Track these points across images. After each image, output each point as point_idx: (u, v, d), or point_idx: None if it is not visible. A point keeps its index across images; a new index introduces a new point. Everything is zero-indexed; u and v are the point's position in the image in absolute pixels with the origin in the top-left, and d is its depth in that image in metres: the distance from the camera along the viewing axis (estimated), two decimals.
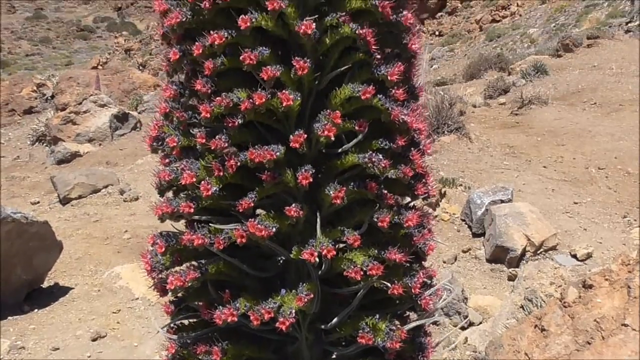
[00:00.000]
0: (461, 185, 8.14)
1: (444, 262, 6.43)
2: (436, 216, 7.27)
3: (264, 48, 1.96)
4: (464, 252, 6.65)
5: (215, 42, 1.93)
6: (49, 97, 17.95)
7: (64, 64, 43.77)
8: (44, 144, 13.47)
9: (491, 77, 15.51)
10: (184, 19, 2.00)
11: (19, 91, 18.72)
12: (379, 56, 2.03)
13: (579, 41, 16.77)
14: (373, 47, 2.00)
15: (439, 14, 35.27)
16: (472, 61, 18.69)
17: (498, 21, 31.25)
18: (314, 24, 1.94)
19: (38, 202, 8.69)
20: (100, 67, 35.62)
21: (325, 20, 2.03)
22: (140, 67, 37.88)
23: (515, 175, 8.70)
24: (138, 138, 12.38)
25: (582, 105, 12.03)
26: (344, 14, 2.01)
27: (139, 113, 14.63)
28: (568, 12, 24.30)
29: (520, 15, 29.74)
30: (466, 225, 7.13)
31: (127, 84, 19.02)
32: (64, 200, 8.43)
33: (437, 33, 34.69)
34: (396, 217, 2.08)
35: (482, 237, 6.80)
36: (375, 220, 2.05)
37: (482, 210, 6.91)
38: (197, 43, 1.99)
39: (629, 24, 17.54)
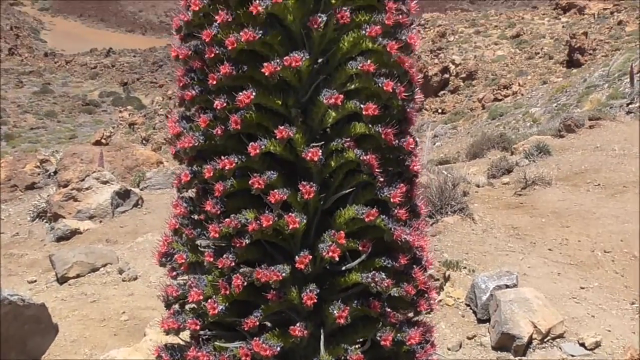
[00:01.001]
0: (465, 268, 8.14)
1: (449, 349, 6.36)
2: (440, 301, 7.23)
3: (272, 172, 2.10)
4: (469, 338, 6.58)
5: (226, 167, 2.06)
6: (52, 173, 18.23)
7: (68, 138, 44.64)
8: (44, 221, 13.58)
9: (494, 156, 15.77)
10: (196, 144, 2.15)
11: (22, 167, 19.05)
12: (382, 179, 2.15)
13: (580, 122, 17.15)
14: (376, 170, 2.13)
15: (442, 92, 36.23)
16: (475, 140, 19.06)
17: (500, 100, 32.03)
18: (320, 150, 2.08)
19: (35, 281, 8.69)
20: (103, 140, 36.30)
21: (331, 145, 2.17)
22: (144, 141, 38.61)
23: (520, 258, 8.71)
24: (139, 215, 12.49)
25: (585, 186, 12.18)
26: (348, 139, 2.16)
27: (141, 190, 14.82)
28: (569, 92, 24.98)
29: (522, 95, 30.53)
30: (471, 311, 7.08)
31: (131, 160, 19.36)
32: (62, 279, 8.44)
33: (439, 111, 35.49)
34: (399, 334, 2.15)
35: (488, 323, 6.74)
36: (379, 338, 2.11)
37: (487, 295, 6.89)
38: (208, 166, 2.13)
39: (630, 106, 17.99)
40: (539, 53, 36.91)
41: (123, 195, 13.45)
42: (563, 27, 39.49)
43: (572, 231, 9.81)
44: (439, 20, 44.39)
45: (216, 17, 2.08)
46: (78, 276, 8.50)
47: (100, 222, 12.90)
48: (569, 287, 7.80)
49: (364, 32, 2.12)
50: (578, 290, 7.74)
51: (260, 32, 2.06)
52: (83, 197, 13.72)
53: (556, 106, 23.97)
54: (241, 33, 2.05)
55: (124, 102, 52.95)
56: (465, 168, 14.73)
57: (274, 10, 2.07)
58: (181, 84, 2.26)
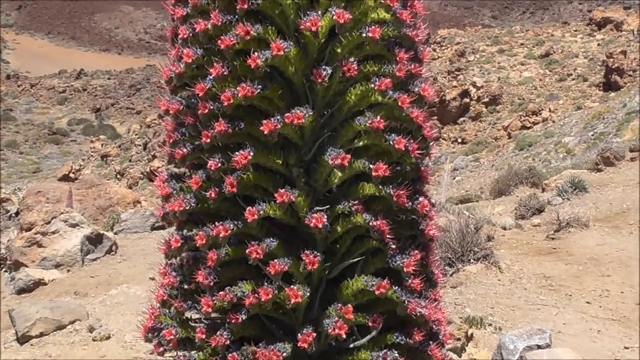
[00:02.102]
0: (491, 325, 8.13)
1: None
2: None
3: (271, 240, 2.19)
4: None
5: (221, 234, 2.16)
6: (13, 215, 18.29)
7: (32, 172, 44.79)
8: (4, 270, 13.59)
9: (523, 193, 15.82)
10: (187, 207, 2.25)
11: None
12: (394, 245, 2.24)
13: (620, 154, 17.24)
14: (387, 236, 2.22)
15: (462, 119, 36.47)
16: (500, 174, 19.15)
17: (529, 128, 32.24)
18: (325, 216, 2.18)
19: None
20: (72, 175, 36.42)
21: (337, 208, 2.27)
22: (118, 176, 38.76)
23: (553, 313, 8.69)
24: (113, 263, 12.49)
25: (628, 228, 12.18)
26: (356, 201, 2.26)
27: (115, 234, 14.84)
28: (607, 119, 25.16)
29: (554, 122, 30.74)
30: None
31: (103, 199, 19.46)
32: (22, 339, 8.42)
33: (459, 140, 35.70)
34: None
35: None
36: None
37: (516, 357, 6.88)
38: (200, 232, 2.22)
39: None
40: (571, 74, 37.29)
41: (94, 240, 13.48)
42: (598, 45, 39.99)
43: (614, 281, 9.79)
44: (457, 37, 44.97)
45: (211, 70, 2.20)
46: (42, 335, 8.47)
47: (68, 271, 12.88)
48: (611, 347, 7.77)
49: (372, 85, 2.23)
50: (621, 350, 7.71)
51: (259, 86, 2.18)
52: (49, 242, 13.77)
53: (592, 135, 24.14)
54: (238, 88, 2.17)
55: (96, 130, 53.30)
56: (490, 207, 14.78)
57: (275, 63, 2.20)
58: (171, 140, 2.37)
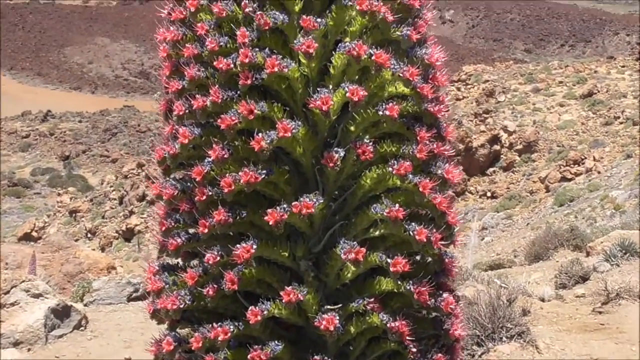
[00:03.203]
0: None
1: None
2: None
3: (276, 343, 2.28)
4: None
5: (219, 337, 2.24)
6: None
7: None
8: None
9: (564, 258, 15.78)
10: (181, 305, 2.34)
11: None
12: (414, 349, 2.32)
13: None
14: (407, 338, 2.30)
15: (491, 169, 36.62)
16: (537, 235, 19.13)
17: (570, 179, 32.32)
18: (337, 316, 2.27)
19: None
20: (34, 233, 36.47)
21: (350, 306, 2.36)
22: (89, 235, 38.81)
23: None
24: (82, 341, 12.45)
25: None
26: (371, 299, 2.35)
27: (86, 306, 14.81)
28: None
29: (599, 173, 30.83)
30: None
31: (72, 265, 19.48)
32: None
33: (489, 194, 35.79)
34: None
35: None
36: None
37: None
38: (196, 334, 2.31)
39: None
40: (619, 117, 37.53)
41: (61, 313, 13.47)
42: None
43: None
44: (485, 74, 45.48)
45: (209, 152, 2.33)
46: None
47: (29, 350, 12.82)
48: None
49: (390, 168, 2.35)
50: None
51: (264, 171, 2.30)
52: (7, 315, 13.77)
53: None
54: (240, 173, 2.29)
55: (64, 182, 53.46)
56: (525, 275, 14.73)
57: (281, 144, 2.32)
58: (163, 228, 2.48)
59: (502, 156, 37.94)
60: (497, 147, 37.65)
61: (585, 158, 34.75)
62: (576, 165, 34.24)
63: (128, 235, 35.04)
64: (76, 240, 33.13)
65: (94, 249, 29.67)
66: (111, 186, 43.16)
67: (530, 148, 37.09)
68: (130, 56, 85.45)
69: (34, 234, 37.34)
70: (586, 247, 17.36)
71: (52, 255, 20.84)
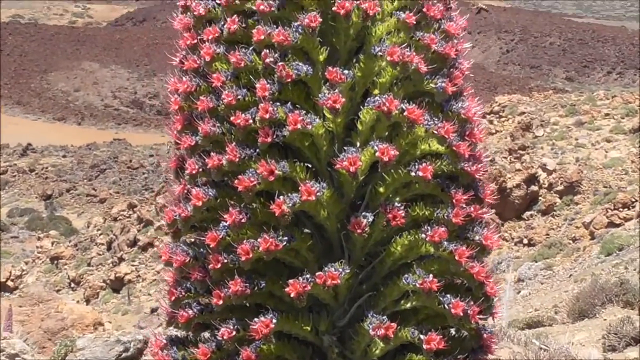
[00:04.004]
0: None
1: None
2: None
3: None
4: None
5: None
6: None
7: None
8: None
9: (612, 316, 15.66)
10: None
11: None
12: None
13: None
14: None
15: (528, 212, 36.50)
16: (581, 289, 19.00)
17: (618, 225, 32.15)
18: None
19: None
20: (10, 283, 36.52)
21: None
22: (73, 284, 38.83)
23: None
24: None
25: None
26: None
27: None
28: None
29: None
30: None
31: (54, 320, 19.48)
32: None
33: (525, 241, 35.64)
34: None
35: None
36: None
37: None
38: None
39: None
40: None
41: None
42: None
43: None
44: (520, 105, 45.54)
45: (225, 216, 2.40)
46: None
47: None
48: None
49: (423, 234, 2.42)
50: None
51: (285, 238, 2.37)
52: None
53: None
54: (259, 239, 2.36)
55: (45, 224, 53.54)
56: (568, 334, 14.63)
57: (304, 208, 2.40)
58: (173, 298, 2.55)
59: (540, 198, 37.86)
60: (534, 187, 37.57)
61: (636, 201, 34.62)
62: (625, 209, 34.10)
63: (117, 285, 34.96)
64: (58, 291, 33.16)
65: (78, 302, 29.67)
66: (98, 229, 43.27)
67: (573, 189, 37.01)
68: (121, 83, 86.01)
69: (10, 283, 37.32)
70: (638, 304, 17.24)
71: (31, 309, 20.88)
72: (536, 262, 31.15)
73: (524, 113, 44.61)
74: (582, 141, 40.71)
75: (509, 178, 37.52)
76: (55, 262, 42.96)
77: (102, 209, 48.84)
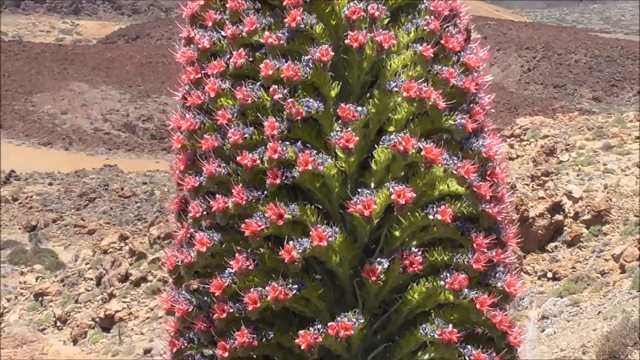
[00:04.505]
0: None
1: None
2: None
3: None
4: None
5: None
6: None
7: None
8: None
9: None
10: None
11: None
12: None
13: None
14: None
15: (552, 244, 36.42)
16: (611, 327, 18.95)
17: None
18: None
19: None
20: None
21: None
22: (59, 323, 38.83)
23: None
24: None
25: None
26: None
27: None
28: None
29: None
30: None
31: None
32: None
33: (549, 275, 35.55)
34: None
35: None
36: None
37: None
38: None
39: None
40: None
41: None
42: None
43: None
44: (544, 128, 45.57)
45: (231, 262, 2.44)
46: None
47: None
48: None
49: (442, 281, 2.46)
50: None
51: (295, 285, 2.41)
52: None
53: None
54: (267, 287, 2.40)
55: (29, 258, 53.51)
56: None
57: (315, 254, 2.44)
58: (174, 349, 2.59)
59: (565, 228, 37.80)
60: (559, 217, 37.52)
61: None
62: None
63: (107, 323, 34.90)
64: (42, 331, 33.13)
65: (64, 342, 29.68)
66: (87, 263, 43.31)
67: (601, 218, 36.93)
68: (112, 105, 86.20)
69: None
70: None
71: (14, 352, 20.90)
72: (561, 297, 31.03)
73: (547, 136, 44.62)
74: (611, 166, 40.67)
75: (532, 206, 37.43)
76: (40, 298, 43.00)
77: (91, 241, 48.86)
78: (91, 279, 41.40)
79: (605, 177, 40.95)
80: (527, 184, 40.05)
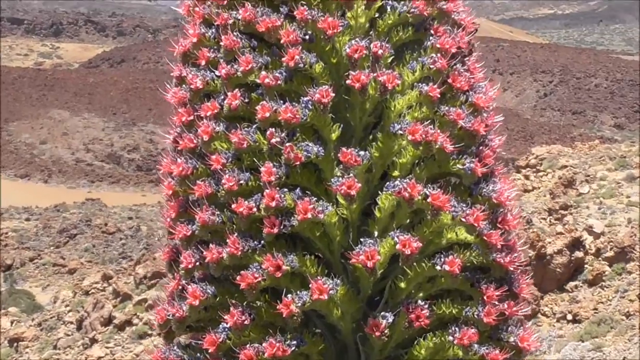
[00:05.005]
0: None
1: None
2: None
3: None
4: None
5: None
6: None
7: None
8: None
9: None
10: None
11: None
12: None
13: None
14: None
15: (572, 283, 36.38)
16: None
17: None
18: None
19: None
20: None
21: None
22: None
23: None
24: None
25: None
26: None
27: None
28: None
29: None
30: None
31: None
32: None
33: (569, 317, 35.47)
34: None
35: None
36: None
37: None
38: None
39: None
40: None
41: None
42: None
43: None
44: (562, 157, 45.58)
45: (226, 317, 2.48)
46: None
47: None
48: None
49: (450, 337, 2.49)
50: None
51: (294, 342, 2.44)
52: None
53: None
54: (265, 344, 2.44)
55: (3, 300, 53.36)
56: None
57: (315, 307, 2.47)
58: None
59: (586, 266, 37.67)
60: (579, 254, 37.43)
61: None
62: None
63: None
64: None
65: None
66: (67, 305, 43.16)
67: (625, 255, 36.85)
68: (96, 134, 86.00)
69: None
70: None
71: None
72: (583, 342, 30.88)
73: (565, 166, 44.59)
74: (635, 199, 40.58)
75: (549, 243, 37.36)
76: (15, 344, 42.79)
77: (72, 281, 48.66)
78: (71, 323, 41.27)
79: (628, 211, 40.87)
80: (544, 219, 39.96)
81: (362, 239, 2.51)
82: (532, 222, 40.84)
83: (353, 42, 2.60)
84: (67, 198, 68.84)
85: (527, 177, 46.80)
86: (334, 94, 2.57)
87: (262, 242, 2.54)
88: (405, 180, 2.52)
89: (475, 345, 2.50)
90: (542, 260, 39.79)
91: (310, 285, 2.46)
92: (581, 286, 42.83)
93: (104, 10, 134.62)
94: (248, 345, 2.47)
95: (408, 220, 2.60)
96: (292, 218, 2.51)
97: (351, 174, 2.52)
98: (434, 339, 2.54)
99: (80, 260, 56.44)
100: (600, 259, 39.72)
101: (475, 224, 2.54)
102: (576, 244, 39.24)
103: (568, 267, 39.83)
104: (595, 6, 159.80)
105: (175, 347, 2.65)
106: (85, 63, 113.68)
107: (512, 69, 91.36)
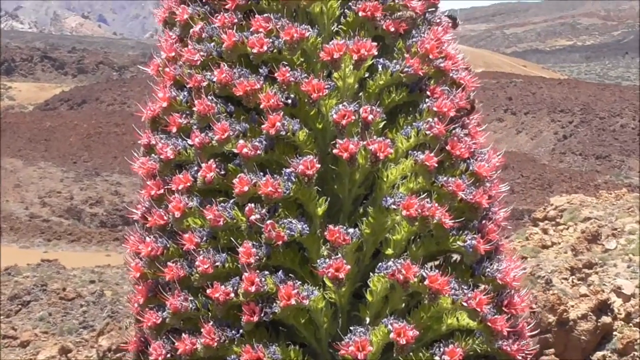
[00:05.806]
0: None
1: None
2: None
3: None
4: None
5: None
6: None
7: None
8: None
9: None
10: None
11: None
12: None
13: None
14: None
15: (599, 353, 36.35)
16: None
17: None
18: None
19: None
20: None
21: None
22: None
23: None
24: None
25: None
26: None
27: None
28: None
29: None
30: None
31: None
32: None
33: None
34: None
35: None
36: None
37: None
38: None
39: None
40: None
41: None
42: None
43: None
44: (584, 208, 45.66)
45: None
46: None
47: None
48: None
49: None
50: None
51: None
52: None
53: None
54: None
55: None
56: None
57: None
58: None
59: (615, 333, 37.55)
60: (607, 318, 37.33)
61: None
62: None
63: None
64: None
65: None
66: None
67: None
68: (53, 186, 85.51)
69: None
70: None
71: None
72: None
73: (589, 219, 44.56)
74: None
75: (572, 306, 37.31)
76: None
77: (25, 356, 48.33)
78: None
79: None
80: (566, 278, 39.89)
81: (352, 327, 2.54)
82: (552, 282, 40.80)
83: (340, 106, 2.63)
84: (20, 259, 68.53)
85: (545, 232, 46.71)
86: (319, 165, 2.60)
87: (241, 331, 2.56)
88: (399, 261, 2.54)
89: None
90: (564, 326, 39.67)
91: None
92: (610, 356, 42.63)
93: (63, 45, 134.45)
94: None
95: (403, 305, 2.62)
96: (274, 304, 2.53)
97: (339, 254, 2.54)
98: None
99: (34, 331, 55.95)
100: (631, 324, 39.63)
101: (478, 309, 2.56)
102: (603, 307, 39.16)
103: (594, 334, 39.64)
104: (619, 36, 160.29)
105: None
106: (41, 105, 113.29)
107: (526, 108, 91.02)
